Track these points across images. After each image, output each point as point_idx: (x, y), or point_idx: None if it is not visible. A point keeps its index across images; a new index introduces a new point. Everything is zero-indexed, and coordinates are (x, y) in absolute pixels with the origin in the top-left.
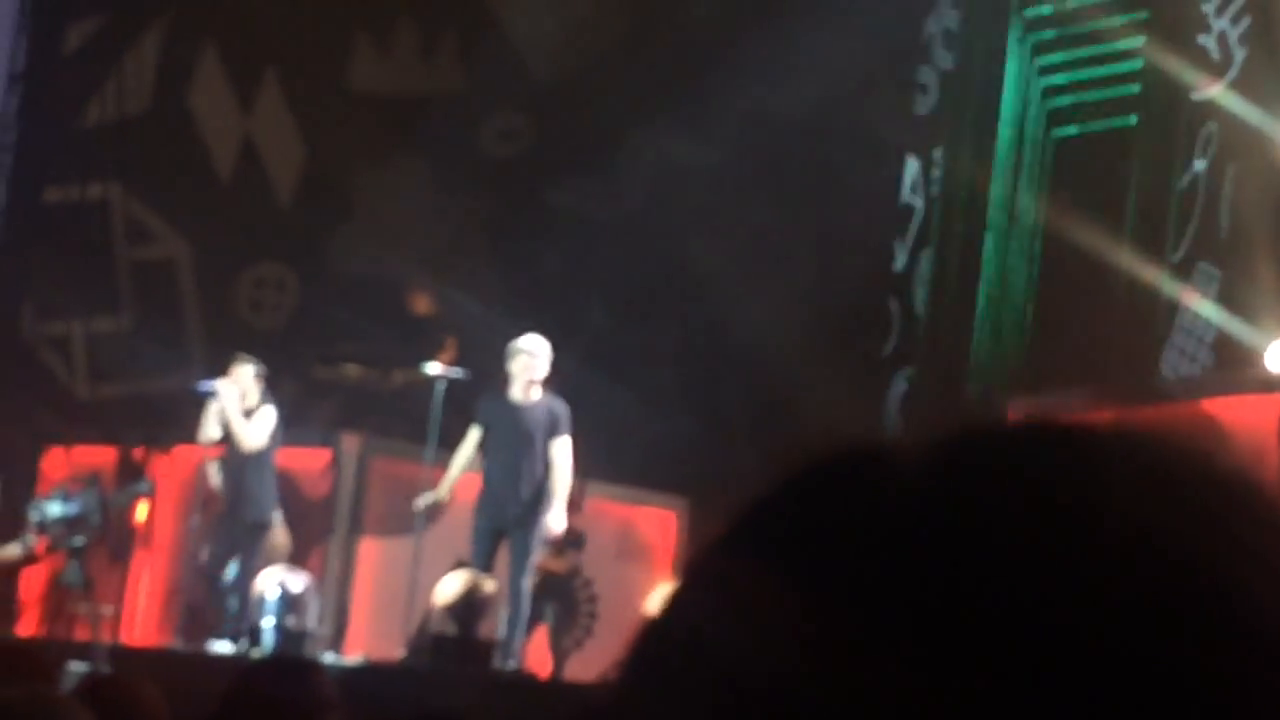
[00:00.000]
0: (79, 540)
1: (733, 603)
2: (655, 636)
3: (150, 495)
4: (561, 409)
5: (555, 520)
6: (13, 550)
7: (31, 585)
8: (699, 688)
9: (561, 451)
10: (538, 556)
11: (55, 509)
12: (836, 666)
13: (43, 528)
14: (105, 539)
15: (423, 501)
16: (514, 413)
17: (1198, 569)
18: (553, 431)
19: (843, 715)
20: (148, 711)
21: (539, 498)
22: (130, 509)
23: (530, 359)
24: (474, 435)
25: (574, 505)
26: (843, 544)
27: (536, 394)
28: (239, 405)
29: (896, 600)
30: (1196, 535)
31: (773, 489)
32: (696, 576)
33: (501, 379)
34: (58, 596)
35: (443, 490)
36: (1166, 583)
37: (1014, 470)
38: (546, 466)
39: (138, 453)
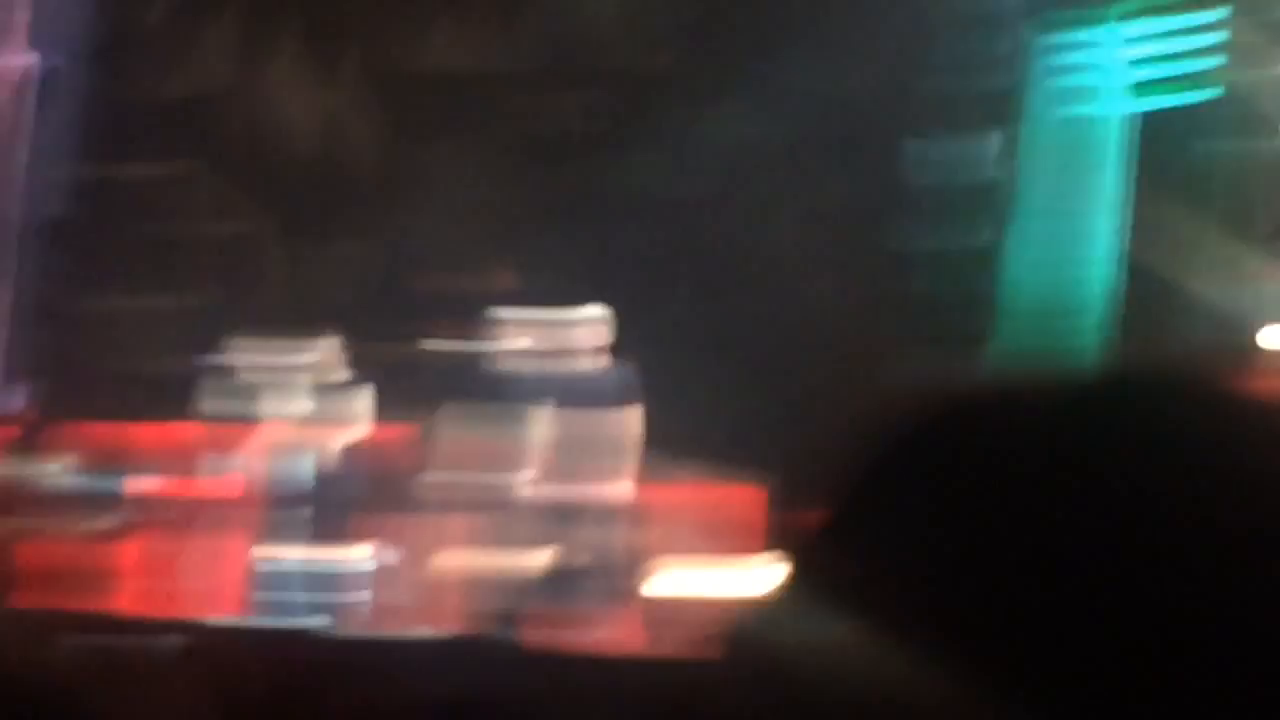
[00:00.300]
0: (170, 514)
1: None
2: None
3: (243, 472)
4: (628, 375)
5: (615, 490)
6: (105, 522)
7: (121, 558)
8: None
9: (630, 420)
10: (609, 530)
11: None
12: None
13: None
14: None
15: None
16: (572, 387)
17: None
18: (617, 400)
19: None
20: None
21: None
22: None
23: (588, 329)
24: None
25: (652, 485)
26: (987, 498)
27: (598, 363)
28: (321, 385)
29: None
30: None
31: (887, 442)
32: (816, 549)
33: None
34: (147, 569)
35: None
36: None
37: (1149, 419)
38: (626, 440)
39: (220, 429)
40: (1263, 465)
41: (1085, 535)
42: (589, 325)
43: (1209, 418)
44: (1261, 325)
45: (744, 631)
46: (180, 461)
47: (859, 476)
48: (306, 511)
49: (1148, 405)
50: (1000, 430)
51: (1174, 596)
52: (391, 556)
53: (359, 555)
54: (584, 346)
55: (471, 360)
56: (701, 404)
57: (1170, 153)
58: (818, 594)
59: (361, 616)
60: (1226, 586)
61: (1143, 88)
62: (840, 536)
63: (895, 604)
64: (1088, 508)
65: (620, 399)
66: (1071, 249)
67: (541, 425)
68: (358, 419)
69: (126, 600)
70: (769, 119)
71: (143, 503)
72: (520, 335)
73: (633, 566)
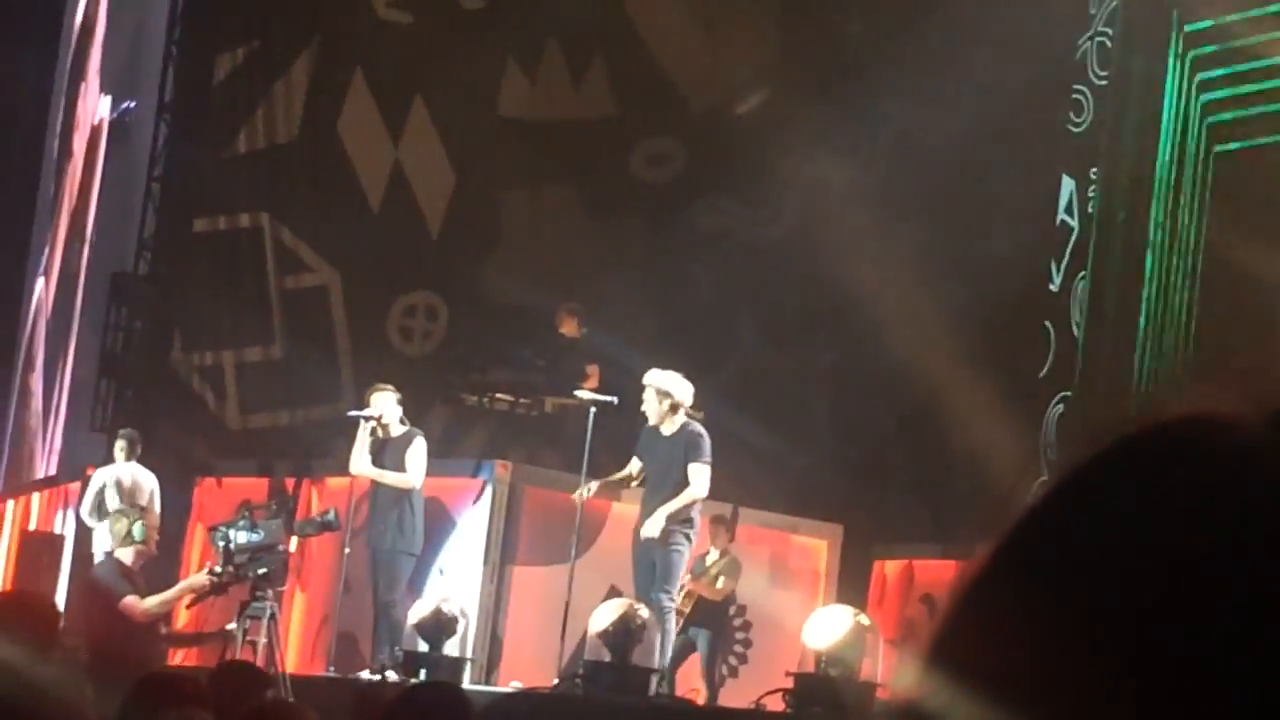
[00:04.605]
0: (263, 569)
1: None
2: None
3: (336, 528)
4: (696, 436)
5: (648, 526)
6: (200, 579)
7: (209, 615)
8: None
9: (693, 476)
10: (682, 579)
11: (242, 537)
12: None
13: (229, 556)
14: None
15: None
16: (657, 444)
17: None
18: (687, 458)
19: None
20: None
21: (675, 526)
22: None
23: (650, 392)
24: (633, 466)
25: (727, 532)
26: (1185, 516)
27: (675, 424)
28: (367, 443)
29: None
30: None
31: (1090, 462)
32: (1005, 561)
33: None
34: (240, 626)
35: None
36: None
37: None
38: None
39: (289, 483)
40: None
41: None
42: (644, 386)
43: None
44: None
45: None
46: (284, 514)
47: (1067, 478)
48: (376, 565)
49: None
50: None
51: None
52: (464, 610)
53: (433, 608)
54: (644, 407)
55: (544, 412)
56: (776, 450)
57: (1247, 194)
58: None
59: (435, 669)
60: None
61: (1220, 130)
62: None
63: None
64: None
65: (684, 452)
66: (1148, 293)
67: (625, 473)
68: (426, 471)
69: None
70: (848, 165)
71: (242, 554)
72: (590, 385)
73: (708, 616)
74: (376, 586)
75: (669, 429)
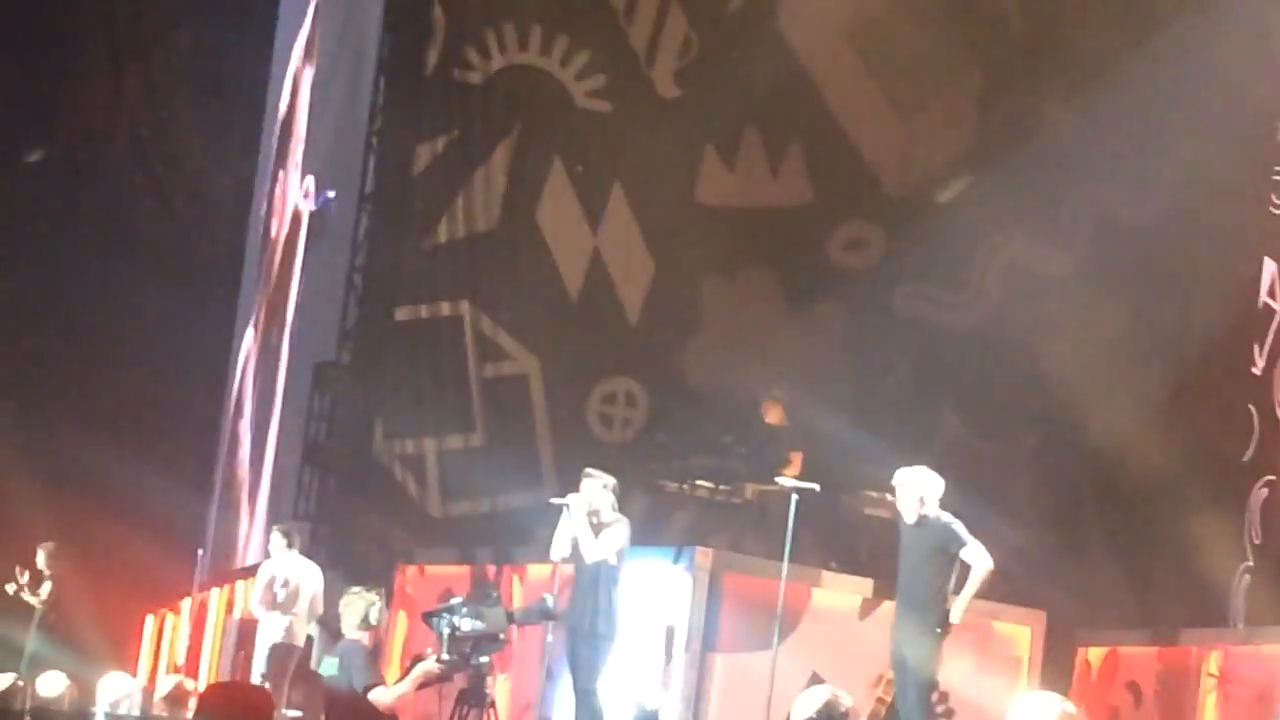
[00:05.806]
0: (485, 657)
1: None
2: None
3: (555, 616)
4: (948, 522)
5: (955, 613)
6: (431, 666)
7: (435, 700)
8: None
9: (973, 557)
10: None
11: (466, 624)
12: None
13: (455, 643)
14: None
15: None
16: (908, 537)
17: None
18: (944, 548)
19: None
20: None
21: (924, 620)
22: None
23: (905, 491)
24: None
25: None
26: None
27: (925, 517)
28: (586, 519)
29: None
30: None
31: None
32: None
33: None
34: (459, 713)
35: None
36: None
37: None
38: (932, 590)
39: (490, 570)
40: None
41: None
42: (894, 486)
43: None
44: None
45: None
46: (502, 602)
47: None
48: (573, 649)
49: None
50: None
51: None
52: (666, 697)
53: (635, 695)
54: (918, 494)
55: (746, 499)
56: (978, 535)
57: None
58: None
59: None
60: None
61: None
62: None
63: None
64: None
65: (934, 545)
66: None
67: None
68: (625, 558)
69: None
70: (1048, 250)
71: (466, 642)
72: (791, 471)
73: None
74: (576, 674)
75: (912, 518)
